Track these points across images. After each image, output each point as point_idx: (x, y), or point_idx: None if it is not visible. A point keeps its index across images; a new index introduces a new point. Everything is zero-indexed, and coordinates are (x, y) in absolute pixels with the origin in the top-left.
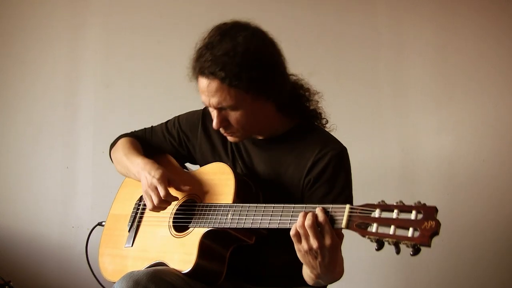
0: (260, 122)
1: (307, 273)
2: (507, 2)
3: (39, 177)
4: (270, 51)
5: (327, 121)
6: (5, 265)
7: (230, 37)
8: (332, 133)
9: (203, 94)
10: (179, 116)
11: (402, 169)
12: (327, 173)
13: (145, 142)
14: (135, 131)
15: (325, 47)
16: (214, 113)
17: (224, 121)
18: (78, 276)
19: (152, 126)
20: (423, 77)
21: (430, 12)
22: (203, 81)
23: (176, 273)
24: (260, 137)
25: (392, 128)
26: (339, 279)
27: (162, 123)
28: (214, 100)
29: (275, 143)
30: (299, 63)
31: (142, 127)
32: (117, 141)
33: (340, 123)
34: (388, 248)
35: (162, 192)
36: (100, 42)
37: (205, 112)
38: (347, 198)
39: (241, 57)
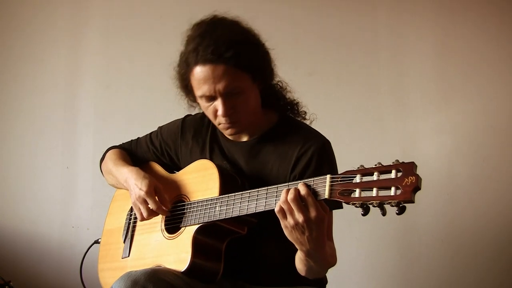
0: (257, 111)
1: (299, 256)
2: (506, 3)
3: (39, 177)
4: (258, 35)
5: (305, 112)
6: (5, 265)
7: (221, 24)
8: (314, 124)
9: (206, 83)
10: (162, 126)
11: None
12: (311, 167)
13: (132, 153)
14: (122, 143)
15: (325, 47)
16: (219, 102)
17: (230, 108)
18: (78, 276)
19: (138, 138)
20: (423, 77)
21: (430, 14)
22: (206, 69)
23: (174, 273)
24: (244, 139)
25: (392, 129)
26: (333, 264)
27: (147, 134)
28: (221, 85)
29: (258, 144)
30: (299, 63)
31: (142, 128)
32: (106, 153)
33: (340, 123)
34: (388, 248)
35: (152, 206)
36: (101, 42)
37: (184, 121)
38: None
39: (240, 38)
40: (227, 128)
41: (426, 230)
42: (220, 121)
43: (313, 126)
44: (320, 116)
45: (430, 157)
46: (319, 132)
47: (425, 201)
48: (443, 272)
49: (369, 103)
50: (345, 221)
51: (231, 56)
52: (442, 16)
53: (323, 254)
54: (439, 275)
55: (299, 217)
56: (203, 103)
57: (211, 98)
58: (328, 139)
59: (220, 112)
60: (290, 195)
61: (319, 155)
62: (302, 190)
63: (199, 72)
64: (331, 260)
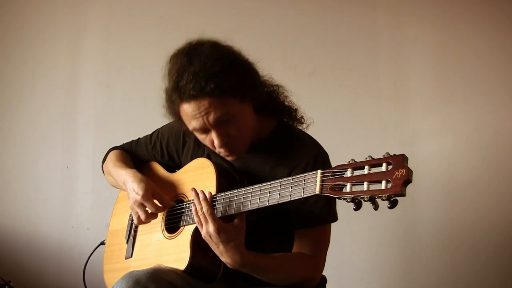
0: (251, 127)
1: None
2: (506, 4)
3: (39, 177)
4: (238, 53)
5: (302, 117)
6: (5, 265)
7: (196, 54)
8: (313, 125)
9: (195, 119)
10: (162, 127)
11: None
12: None
13: (132, 154)
14: (123, 143)
15: (325, 48)
16: (213, 134)
17: (225, 136)
18: (78, 276)
19: (138, 138)
20: (423, 77)
21: (430, 14)
22: (192, 105)
23: (176, 272)
24: None
25: (392, 129)
26: (301, 279)
27: (147, 135)
28: (210, 117)
29: (254, 151)
30: (299, 63)
31: (142, 128)
32: (107, 154)
33: (340, 124)
34: (388, 248)
35: (151, 209)
36: (101, 42)
37: None
38: (329, 200)
39: (218, 65)
40: (227, 156)
41: (426, 230)
42: (219, 151)
43: (313, 126)
44: (320, 116)
45: (430, 157)
46: (317, 142)
47: (425, 201)
48: (443, 272)
49: (369, 103)
50: (344, 221)
51: (213, 88)
52: (442, 16)
53: (252, 268)
54: (439, 275)
55: (203, 230)
56: (198, 135)
57: (204, 130)
58: (328, 139)
59: (216, 143)
60: (193, 208)
61: (313, 166)
62: (204, 206)
63: (186, 109)
64: (281, 274)
